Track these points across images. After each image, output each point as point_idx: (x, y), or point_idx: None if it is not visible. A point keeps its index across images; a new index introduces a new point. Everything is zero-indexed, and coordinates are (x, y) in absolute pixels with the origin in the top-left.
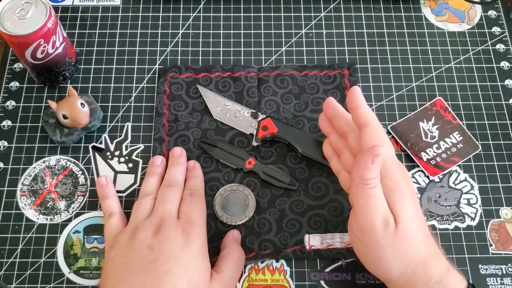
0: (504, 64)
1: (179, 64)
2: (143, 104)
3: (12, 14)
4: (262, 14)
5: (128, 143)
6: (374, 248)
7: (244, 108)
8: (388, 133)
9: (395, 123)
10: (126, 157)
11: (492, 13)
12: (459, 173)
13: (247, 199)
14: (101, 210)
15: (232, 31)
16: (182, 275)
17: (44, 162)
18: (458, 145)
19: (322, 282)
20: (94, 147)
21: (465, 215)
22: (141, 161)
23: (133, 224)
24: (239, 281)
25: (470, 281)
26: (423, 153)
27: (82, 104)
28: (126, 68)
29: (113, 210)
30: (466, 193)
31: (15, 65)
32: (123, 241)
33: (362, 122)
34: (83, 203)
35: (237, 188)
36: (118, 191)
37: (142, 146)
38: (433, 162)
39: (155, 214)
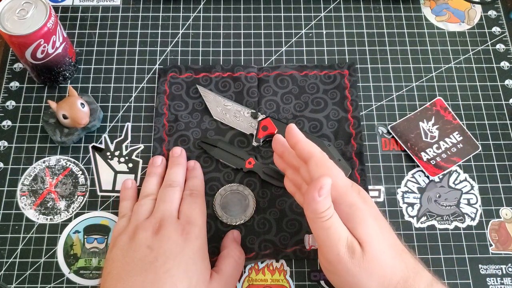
0: (504, 64)
1: (179, 64)
2: (143, 104)
3: (12, 14)
4: (262, 14)
5: (128, 143)
6: (348, 277)
7: (244, 108)
8: (388, 133)
9: (395, 123)
10: (126, 157)
11: (492, 13)
12: (459, 173)
13: (247, 199)
14: (101, 210)
15: (232, 31)
16: (182, 275)
17: (44, 162)
18: (458, 145)
19: (322, 282)
20: (94, 147)
21: (465, 215)
22: (141, 161)
23: (133, 225)
24: (239, 281)
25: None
26: (423, 153)
27: (82, 104)
28: (126, 68)
29: (126, 212)
30: (466, 193)
31: (15, 65)
32: (123, 241)
33: (305, 156)
34: (83, 203)
35: (237, 188)
36: (118, 191)
37: (142, 146)
38: (433, 162)
39: (155, 214)
